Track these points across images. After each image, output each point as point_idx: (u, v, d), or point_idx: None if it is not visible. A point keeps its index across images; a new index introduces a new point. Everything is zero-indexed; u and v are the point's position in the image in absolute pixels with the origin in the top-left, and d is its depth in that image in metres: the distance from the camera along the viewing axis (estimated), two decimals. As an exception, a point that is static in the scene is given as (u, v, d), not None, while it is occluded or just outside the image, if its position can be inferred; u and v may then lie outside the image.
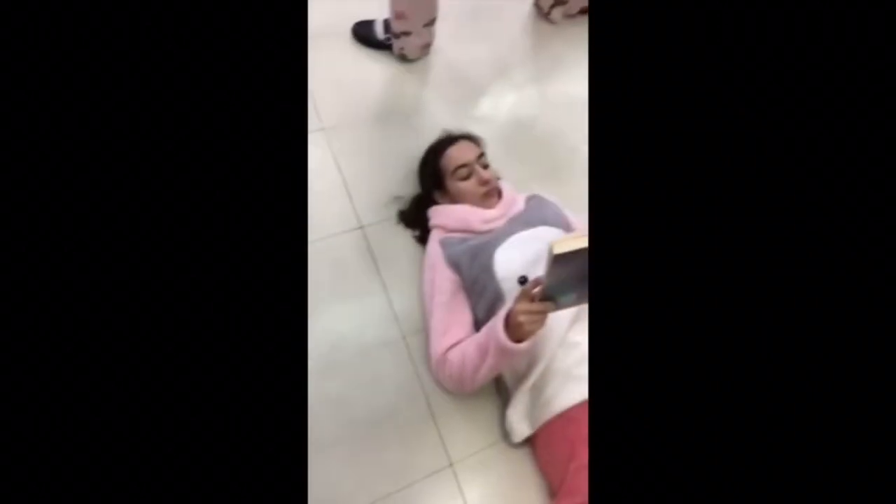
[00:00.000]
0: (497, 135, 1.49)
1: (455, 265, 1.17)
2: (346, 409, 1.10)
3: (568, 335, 1.01)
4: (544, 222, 1.19)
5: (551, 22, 1.81)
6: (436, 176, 1.29)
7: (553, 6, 1.78)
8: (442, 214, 1.26)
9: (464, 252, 1.16)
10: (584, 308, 1.02)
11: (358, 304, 1.22)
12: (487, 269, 1.10)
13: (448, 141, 1.31)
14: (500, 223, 1.21)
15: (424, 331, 1.20)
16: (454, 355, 1.07)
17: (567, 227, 1.23)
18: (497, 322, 0.95)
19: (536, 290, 0.88)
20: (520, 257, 1.09)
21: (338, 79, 1.51)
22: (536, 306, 0.89)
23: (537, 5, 1.83)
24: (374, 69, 1.57)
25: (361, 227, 1.32)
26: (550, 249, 0.75)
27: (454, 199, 1.27)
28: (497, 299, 1.08)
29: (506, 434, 1.11)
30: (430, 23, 1.50)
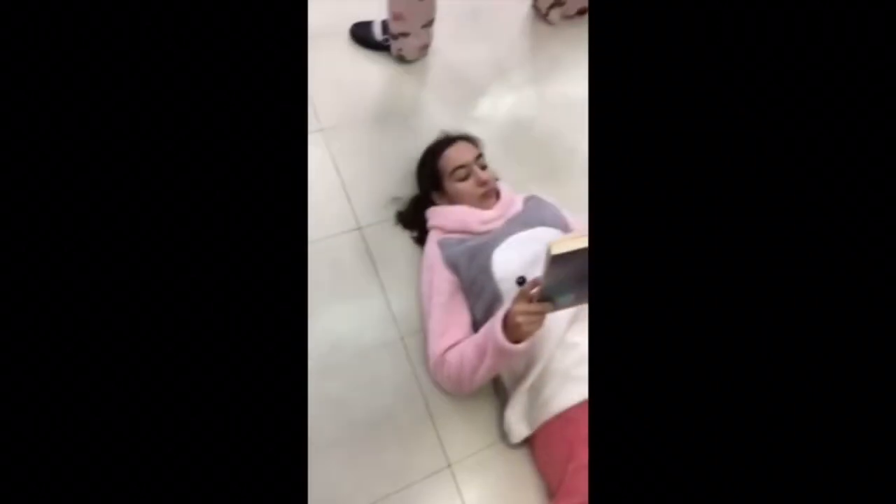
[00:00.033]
0: (495, 136, 1.50)
1: (453, 266, 1.17)
2: (345, 410, 1.10)
3: (566, 336, 1.02)
4: (542, 223, 1.19)
5: (549, 23, 1.81)
6: (434, 177, 1.29)
7: (551, 7, 1.78)
8: (440, 215, 1.26)
9: (462, 253, 1.16)
10: (582, 309, 1.02)
11: (356, 304, 1.22)
12: (485, 269, 1.10)
13: (446, 142, 1.31)
14: (498, 224, 1.22)
15: (423, 332, 1.20)
16: (452, 356, 1.07)
17: (565, 228, 1.23)
18: (495, 323, 0.95)
19: (534, 290, 0.88)
20: (518, 258, 1.09)
21: (336, 80, 1.51)
22: (534, 307, 0.89)
23: (535, 6, 1.83)
24: (372, 70, 1.57)
25: (360, 228, 1.32)
26: (548, 250, 0.75)
27: (452, 200, 1.27)
28: (495, 300, 1.08)
29: (504, 435, 1.11)
30: (429, 24, 1.51)
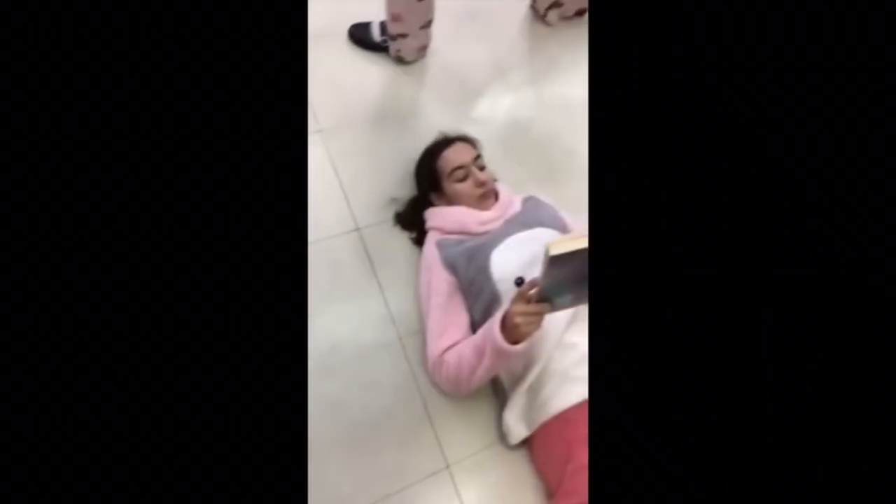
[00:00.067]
0: (493, 136, 1.50)
1: (452, 267, 1.17)
2: (343, 411, 1.10)
3: (565, 336, 1.02)
4: (541, 224, 1.19)
5: (548, 24, 1.81)
6: (432, 178, 1.29)
7: (549, 8, 1.79)
8: (438, 216, 1.26)
9: (460, 254, 1.16)
10: (580, 309, 1.02)
11: (355, 305, 1.22)
12: (484, 270, 1.10)
13: (444, 143, 1.31)
14: (496, 225, 1.22)
15: (421, 332, 1.20)
16: (451, 357, 1.07)
17: (563, 229, 1.23)
18: (493, 324, 0.95)
19: (533, 291, 0.88)
20: (516, 259, 1.10)
21: (335, 81, 1.51)
22: (533, 308, 0.89)
23: (534, 7, 1.83)
24: (370, 71, 1.57)
25: (358, 229, 1.32)
26: (547, 251, 0.75)
27: (451, 201, 1.27)
28: (494, 301, 1.08)
29: (503, 436, 1.11)
30: (427, 25, 1.51)
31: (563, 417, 0.98)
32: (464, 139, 1.33)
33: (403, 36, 1.50)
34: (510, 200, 1.28)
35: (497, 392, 1.16)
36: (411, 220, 1.33)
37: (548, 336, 1.00)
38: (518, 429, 1.07)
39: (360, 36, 1.59)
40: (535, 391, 1.04)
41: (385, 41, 1.56)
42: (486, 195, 1.25)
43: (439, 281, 1.17)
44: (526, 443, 1.10)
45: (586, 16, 1.86)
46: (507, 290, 1.06)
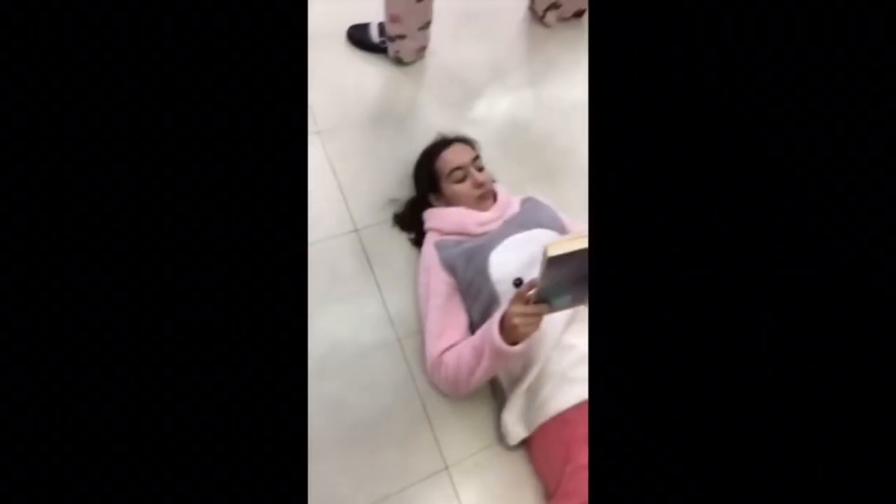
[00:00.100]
0: (492, 137, 1.50)
1: (450, 268, 1.17)
2: (342, 412, 1.10)
3: (563, 337, 1.02)
4: (539, 225, 1.20)
5: (546, 25, 1.82)
6: (431, 179, 1.29)
7: (547, 10, 1.79)
8: (437, 217, 1.27)
9: (459, 255, 1.16)
10: (579, 310, 1.02)
11: (353, 306, 1.22)
12: (482, 271, 1.10)
13: (443, 144, 1.31)
14: (495, 226, 1.22)
15: (420, 333, 1.20)
16: (450, 358, 1.07)
17: (562, 230, 1.23)
18: (492, 325, 0.95)
19: (531, 292, 0.88)
20: (515, 259, 1.10)
21: (333, 82, 1.52)
22: (531, 308, 0.89)
23: (532, 9, 1.83)
24: (369, 72, 1.57)
25: (357, 230, 1.32)
26: (545, 252, 0.76)
27: (449, 202, 1.27)
28: (492, 302, 1.08)
29: (501, 436, 1.11)
30: (425, 26, 1.51)
31: (562, 418, 0.98)
32: (462, 140, 1.33)
33: (402, 37, 1.50)
34: (509, 201, 1.28)
35: (496, 393, 1.16)
36: (410, 220, 1.33)
37: (546, 337, 1.00)
38: (517, 430, 1.07)
39: (358, 37, 1.59)
40: (533, 392, 1.04)
41: (384, 42, 1.56)
42: (485, 196, 1.25)
43: (438, 282, 1.17)
44: (525, 443, 1.10)
45: (584, 17, 1.86)
46: (505, 291, 1.06)
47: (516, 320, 0.89)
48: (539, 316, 0.89)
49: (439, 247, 1.21)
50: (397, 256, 1.31)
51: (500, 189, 1.31)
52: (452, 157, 1.26)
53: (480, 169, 1.27)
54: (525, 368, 1.04)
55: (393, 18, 1.45)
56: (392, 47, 1.54)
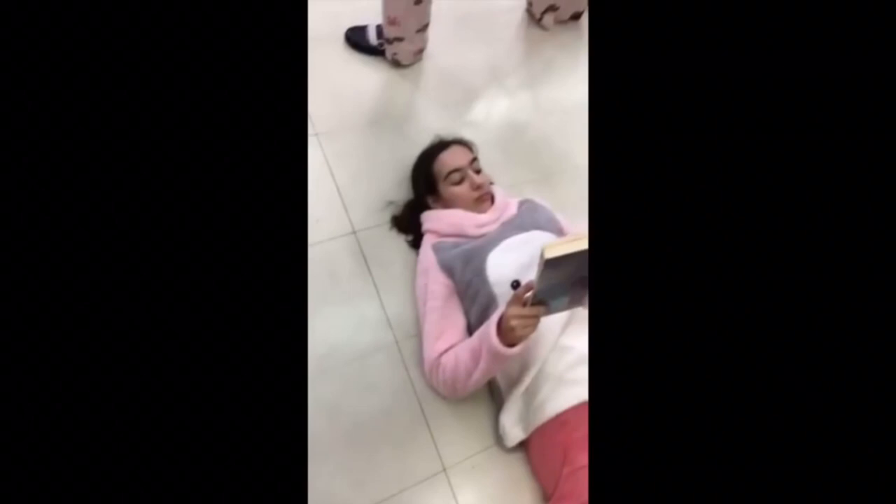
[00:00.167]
0: (489, 140, 1.50)
1: (448, 270, 1.17)
2: (340, 414, 1.10)
3: (560, 339, 1.02)
4: (537, 226, 1.20)
5: (543, 28, 1.82)
6: (429, 181, 1.29)
7: (545, 12, 1.79)
8: (435, 219, 1.27)
9: (457, 257, 1.16)
10: (576, 312, 1.02)
11: (351, 309, 1.22)
12: (480, 273, 1.11)
13: (441, 146, 1.31)
14: (492, 228, 1.22)
15: (418, 335, 1.20)
16: (447, 360, 1.07)
17: (560, 232, 1.23)
18: (489, 326, 0.95)
19: (528, 294, 0.88)
20: (512, 262, 1.10)
21: (331, 84, 1.52)
22: (528, 310, 0.89)
23: (529, 11, 1.84)
24: (367, 74, 1.57)
25: (355, 233, 1.32)
26: (542, 253, 0.76)
27: (447, 204, 1.27)
28: (490, 304, 1.08)
29: (499, 438, 1.11)
30: (423, 28, 1.51)
31: (560, 420, 0.99)
32: (460, 142, 1.33)
33: (400, 39, 1.50)
34: (506, 203, 1.28)
35: (493, 395, 1.16)
36: (408, 223, 1.33)
37: (543, 339, 1.00)
38: (514, 431, 1.07)
39: (356, 39, 1.59)
40: (531, 394, 1.04)
41: (381, 45, 1.56)
42: (483, 198, 1.26)
43: (436, 284, 1.17)
44: (522, 445, 1.10)
45: (582, 19, 1.87)
46: (503, 293, 1.06)
47: (514, 322, 0.89)
48: (536, 318, 0.90)
49: (437, 249, 1.21)
50: (395, 258, 1.31)
51: (498, 191, 1.31)
52: (450, 159, 1.27)
53: (478, 171, 1.27)
54: (523, 370, 1.04)
55: (391, 21, 1.46)
56: (390, 50, 1.54)
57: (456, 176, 1.24)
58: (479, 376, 1.02)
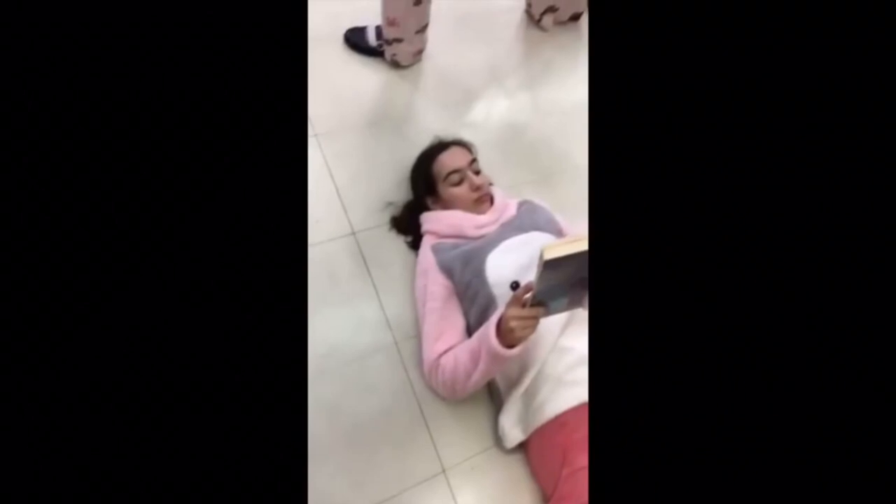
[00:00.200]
0: (489, 141, 1.50)
1: (447, 271, 1.17)
2: (340, 415, 1.10)
3: (560, 340, 1.02)
4: (536, 227, 1.20)
5: (542, 29, 1.82)
6: (428, 182, 1.29)
7: (544, 13, 1.79)
8: (434, 220, 1.27)
9: (456, 258, 1.16)
10: (576, 313, 1.02)
11: (351, 310, 1.22)
12: (479, 274, 1.11)
13: (440, 147, 1.31)
14: (492, 229, 1.22)
15: (417, 336, 1.20)
16: (447, 361, 1.07)
17: (559, 233, 1.23)
18: (489, 328, 0.95)
19: (528, 295, 0.88)
20: (511, 263, 1.10)
21: (330, 85, 1.52)
22: (528, 311, 0.89)
23: (529, 12, 1.84)
24: (366, 75, 1.57)
25: (354, 234, 1.32)
26: (541, 254, 0.76)
27: (446, 205, 1.27)
28: (489, 305, 1.08)
29: (499, 440, 1.11)
30: (422, 29, 1.51)
31: (559, 421, 0.99)
32: (459, 143, 1.33)
33: (399, 40, 1.50)
34: (506, 204, 1.28)
35: (493, 396, 1.16)
36: (407, 224, 1.33)
37: (543, 340, 1.00)
38: (514, 433, 1.07)
39: (355, 40, 1.59)
40: (530, 395, 1.04)
41: (381, 45, 1.56)
42: (482, 199, 1.26)
43: (435, 285, 1.17)
44: (522, 447, 1.10)
45: (581, 20, 1.87)
46: (502, 294, 1.06)
47: (513, 323, 0.89)
48: (536, 319, 0.90)
49: (436, 250, 1.21)
50: (394, 259, 1.31)
51: (497, 192, 1.31)
52: (449, 160, 1.27)
53: (477, 172, 1.27)
54: (522, 371, 1.04)
55: (390, 22, 1.46)
56: (389, 50, 1.54)
57: (455, 177, 1.24)
58: (478, 377, 1.02)
